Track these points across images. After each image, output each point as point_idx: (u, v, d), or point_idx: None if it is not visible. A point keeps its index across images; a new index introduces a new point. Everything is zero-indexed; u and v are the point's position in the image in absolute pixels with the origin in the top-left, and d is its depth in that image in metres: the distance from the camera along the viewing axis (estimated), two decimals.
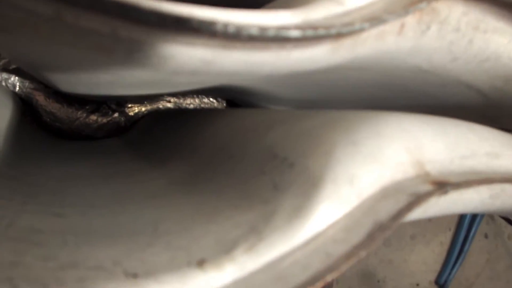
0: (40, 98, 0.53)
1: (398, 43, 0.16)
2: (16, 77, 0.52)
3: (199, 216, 0.15)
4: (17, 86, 0.52)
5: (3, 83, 0.52)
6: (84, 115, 0.55)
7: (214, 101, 0.61)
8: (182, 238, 0.14)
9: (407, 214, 0.13)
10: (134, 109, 0.58)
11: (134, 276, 0.12)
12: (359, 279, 0.54)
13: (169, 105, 0.60)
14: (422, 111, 0.19)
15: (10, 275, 0.11)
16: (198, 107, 0.60)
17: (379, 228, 0.13)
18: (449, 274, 0.56)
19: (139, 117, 0.58)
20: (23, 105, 0.51)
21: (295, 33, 0.12)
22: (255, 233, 0.13)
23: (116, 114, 0.57)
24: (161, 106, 0.59)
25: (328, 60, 0.14)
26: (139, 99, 0.58)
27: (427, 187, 0.14)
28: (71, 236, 0.14)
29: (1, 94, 0.43)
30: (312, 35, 0.12)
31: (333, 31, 0.12)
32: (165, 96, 0.59)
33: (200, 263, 0.12)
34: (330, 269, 0.11)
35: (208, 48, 0.12)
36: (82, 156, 0.38)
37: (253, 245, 0.12)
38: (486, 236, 0.59)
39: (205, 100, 0.62)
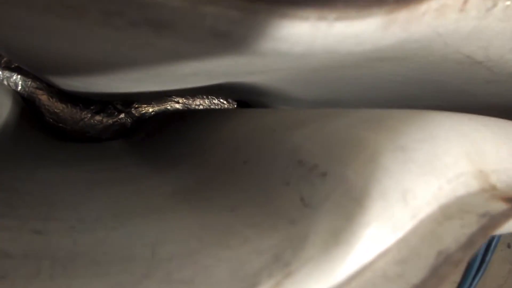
0: (43, 98, 0.51)
1: (459, 22, 0.13)
2: (19, 76, 0.50)
3: (208, 237, 0.12)
4: (20, 85, 0.50)
5: (5, 82, 0.50)
6: (89, 115, 0.53)
7: (225, 102, 0.58)
8: (186, 267, 0.11)
9: (481, 241, 0.10)
10: (141, 110, 0.55)
11: None
12: None
13: (177, 106, 0.58)
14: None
15: None
16: (205, 109, 0.57)
17: (447, 261, 0.09)
18: (470, 285, 0.52)
19: (146, 118, 0.56)
20: (25, 105, 0.49)
21: None
22: (281, 264, 0.10)
23: (122, 115, 0.55)
24: (169, 107, 0.57)
25: (375, 41, 0.11)
26: (147, 99, 0.56)
27: (500, 205, 0.11)
28: (48, 262, 0.11)
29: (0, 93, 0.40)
30: None
31: None
32: (174, 96, 0.57)
33: None
34: None
35: None
36: (83, 159, 0.35)
37: (279, 283, 0.09)
38: (508, 246, 0.56)
39: (215, 101, 0.59)
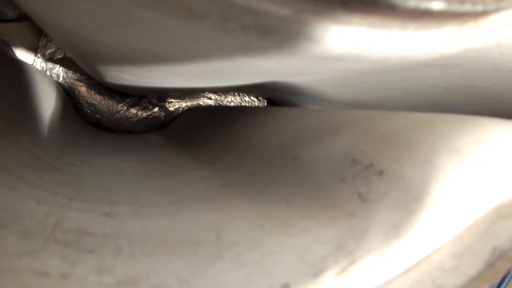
0: (83, 89, 0.52)
1: None
2: (61, 67, 0.51)
3: (268, 226, 0.13)
4: (61, 76, 0.52)
5: (48, 73, 0.51)
6: (125, 108, 0.54)
7: (255, 99, 0.59)
8: (253, 252, 0.12)
9: None
10: (175, 105, 0.57)
11: None
12: None
13: (210, 102, 0.59)
14: None
15: None
16: (238, 106, 0.58)
17: (501, 257, 0.10)
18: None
19: (179, 113, 0.57)
20: (66, 96, 0.51)
21: (438, 5, 0.09)
22: (344, 253, 0.11)
23: (156, 109, 0.56)
24: (201, 103, 0.58)
25: (444, 49, 0.12)
26: (181, 94, 0.57)
27: None
28: (125, 241, 0.12)
29: (46, 83, 0.42)
30: (457, 10, 0.09)
31: (479, 7, 0.10)
32: (206, 92, 0.58)
33: None
34: None
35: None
36: (123, 149, 0.37)
37: (345, 269, 0.10)
38: None
39: (246, 98, 0.60)
